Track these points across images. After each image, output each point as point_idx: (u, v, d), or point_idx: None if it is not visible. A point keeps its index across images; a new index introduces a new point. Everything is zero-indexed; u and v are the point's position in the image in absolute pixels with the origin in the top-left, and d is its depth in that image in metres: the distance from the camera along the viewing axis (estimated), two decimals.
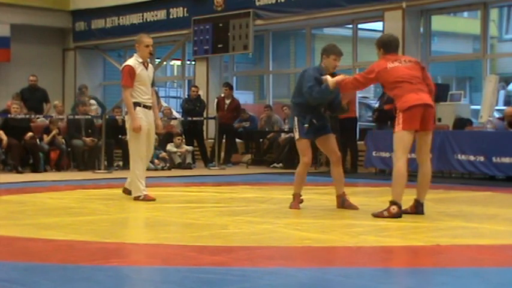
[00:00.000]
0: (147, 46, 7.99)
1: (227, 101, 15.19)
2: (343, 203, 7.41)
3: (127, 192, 8.22)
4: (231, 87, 15.55)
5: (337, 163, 7.50)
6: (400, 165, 6.56)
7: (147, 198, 7.87)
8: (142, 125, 7.86)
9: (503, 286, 3.98)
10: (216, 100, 15.62)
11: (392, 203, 6.56)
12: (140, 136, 7.87)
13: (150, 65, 8.15)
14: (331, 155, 7.49)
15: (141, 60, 7.98)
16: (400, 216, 6.49)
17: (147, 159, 8.22)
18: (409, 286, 3.94)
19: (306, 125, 7.22)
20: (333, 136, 7.48)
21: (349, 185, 10.71)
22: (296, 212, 7.15)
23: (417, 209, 6.80)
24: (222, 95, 15.45)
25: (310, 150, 7.41)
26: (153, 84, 8.18)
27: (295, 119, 7.36)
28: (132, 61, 7.98)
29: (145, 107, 7.95)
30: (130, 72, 7.85)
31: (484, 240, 5.48)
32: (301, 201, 7.44)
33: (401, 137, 6.63)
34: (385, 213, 6.55)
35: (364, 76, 7.03)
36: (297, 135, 7.36)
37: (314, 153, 14.20)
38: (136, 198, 7.90)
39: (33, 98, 15.18)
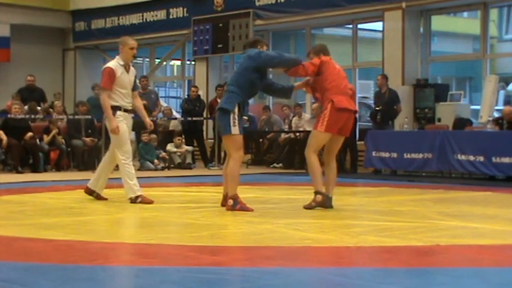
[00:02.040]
0: (132, 48, 7.83)
1: (219, 101, 15.08)
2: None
3: (89, 191, 8.08)
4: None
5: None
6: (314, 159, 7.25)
7: (143, 200, 7.68)
8: (123, 128, 7.72)
9: (503, 286, 3.98)
10: (209, 103, 15.56)
11: (317, 192, 7.15)
12: (123, 137, 7.74)
13: (132, 68, 7.98)
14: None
15: (122, 62, 7.79)
16: (328, 207, 7.10)
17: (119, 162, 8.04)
18: (409, 286, 3.94)
19: (246, 117, 7.11)
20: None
21: (349, 185, 10.74)
22: (296, 212, 7.15)
23: (327, 203, 7.21)
24: (215, 97, 15.40)
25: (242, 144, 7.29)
26: (134, 88, 7.98)
27: (234, 112, 7.05)
28: (114, 63, 7.79)
29: (125, 110, 7.80)
30: (111, 74, 7.67)
31: (484, 240, 5.48)
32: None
33: (324, 136, 7.24)
34: (313, 204, 7.14)
35: (310, 63, 7.36)
36: (235, 130, 7.05)
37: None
38: (134, 201, 7.70)
39: (31, 98, 15.16)
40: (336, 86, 7.25)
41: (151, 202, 7.66)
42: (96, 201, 7.96)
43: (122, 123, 7.74)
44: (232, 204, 7.05)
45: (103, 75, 7.76)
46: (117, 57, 7.87)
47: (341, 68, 7.47)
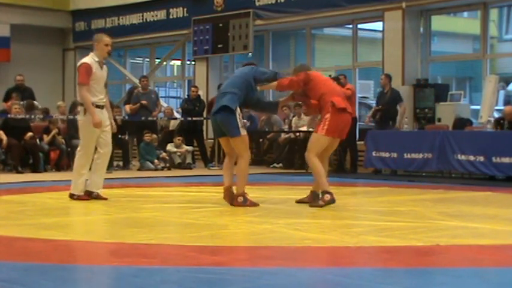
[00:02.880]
0: (107, 45, 8.02)
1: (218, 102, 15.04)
2: (232, 199, 7.51)
3: (89, 194, 8.08)
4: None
5: (234, 158, 7.62)
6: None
7: (82, 198, 7.89)
8: (91, 125, 7.84)
9: (503, 286, 3.98)
10: (209, 101, 15.57)
11: (325, 192, 7.30)
12: (93, 134, 7.89)
13: (104, 65, 8.14)
14: (234, 152, 7.58)
15: (97, 59, 7.96)
16: (334, 201, 7.25)
17: (106, 157, 8.21)
18: (409, 286, 3.94)
19: (246, 121, 7.39)
20: None
21: (349, 185, 10.74)
22: (296, 212, 7.15)
23: (314, 199, 7.52)
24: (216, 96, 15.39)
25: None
26: (105, 85, 8.19)
27: (238, 113, 7.34)
28: (89, 59, 7.94)
29: (98, 106, 7.92)
30: (88, 69, 7.83)
31: (484, 240, 5.48)
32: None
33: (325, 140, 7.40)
34: (321, 203, 7.27)
35: (293, 77, 7.58)
36: (244, 131, 7.36)
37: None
38: (71, 196, 7.93)
39: (21, 97, 15.13)
40: (332, 88, 7.51)
41: (86, 199, 7.89)
42: (96, 201, 7.96)
43: (89, 121, 7.87)
44: (243, 200, 7.39)
45: (79, 71, 7.92)
46: (92, 53, 8.03)
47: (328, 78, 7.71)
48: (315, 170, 7.39)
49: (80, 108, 8.07)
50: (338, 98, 7.36)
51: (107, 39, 8.09)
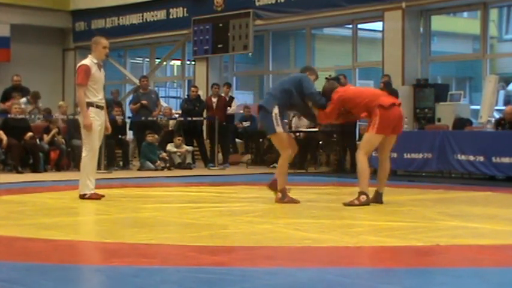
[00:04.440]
0: (105, 47, 8.20)
1: (214, 99, 15.09)
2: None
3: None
4: (229, 86, 15.55)
5: (291, 156, 7.98)
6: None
7: (93, 197, 7.94)
8: (95, 124, 7.98)
9: (503, 286, 3.98)
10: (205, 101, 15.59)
11: (362, 193, 7.37)
12: (93, 134, 7.98)
13: (102, 67, 8.26)
14: (293, 149, 7.92)
15: (96, 61, 8.11)
16: (368, 204, 7.33)
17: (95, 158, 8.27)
18: (409, 286, 3.93)
19: (286, 120, 7.52)
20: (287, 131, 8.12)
21: (349, 185, 10.73)
22: (296, 212, 7.15)
23: (377, 198, 7.58)
24: (210, 95, 15.41)
25: (292, 142, 7.94)
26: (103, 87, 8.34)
27: (275, 112, 7.55)
28: (88, 61, 8.09)
29: (98, 107, 8.06)
30: (87, 71, 7.97)
31: (484, 240, 5.48)
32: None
33: (376, 138, 7.50)
34: (356, 202, 7.36)
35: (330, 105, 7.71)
36: (279, 129, 7.59)
37: (314, 153, 14.40)
38: (83, 196, 7.96)
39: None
40: (370, 93, 7.59)
41: (100, 197, 7.97)
42: (96, 201, 7.96)
43: (94, 120, 8.00)
44: (281, 197, 7.66)
45: (78, 72, 8.06)
46: (90, 56, 8.18)
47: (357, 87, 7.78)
48: (359, 169, 7.48)
49: (79, 109, 8.18)
50: (382, 98, 7.43)
51: (104, 41, 8.26)
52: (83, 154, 8.09)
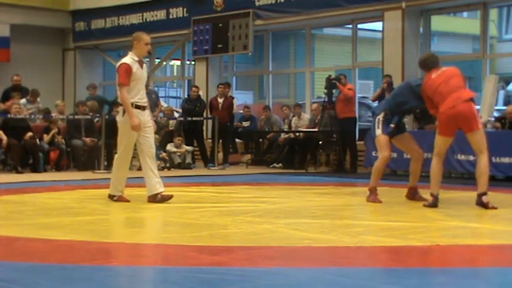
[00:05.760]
0: (147, 44, 7.82)
1: (220, 100, 15.09)
2: (413, 196, 8.10)
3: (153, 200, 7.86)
4: (228, 86, 15.54)
5: (417, 160, 8.17)
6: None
7: (121, 200, 7.81)
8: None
9: (503, 286, 3.98)
10: (209, 101, 15.58)
11: (432, 194, 7.49)
12: (132, 136, 7.74)
13: (144, 64, 7.94)
14: (412, 153, 8.20)
15: (137, 58, 7.75)
16: (436, 206, 7.38)
17: (153, 157, 8.04)
18: (409, 286, 3.93)
19: (393, 125, 7.84)
20: (408, 134, 8.28)
21: (349, 184, 10.74)
22: (296, 212, 7.15)
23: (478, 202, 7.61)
24: (216, 95, 15.40)
25: (389, 146, 8.02)
26: (147, 86, 8.05)
27: (380, 116, 7.87)
28: (129, 59, 7.74)
29: (138, 107, 7.73)
30: (128, 70, 7.63)
31: (484, 240, 5.48)
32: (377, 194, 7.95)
33: (442, 140, 7.56)
34: (425, 203, 7.48)
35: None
36: (378, 132, 7.89)
37: (313, 153, 14.39)
38: (111, 197, 7.85)
39: (20, 98, 15.12)
40: (439, 93, 7.49)
41: (127, 201, 7.80)
42: (96, 201, 7.96)
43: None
44: (368, 195, 7.91)
45: (119, 71, 7.69)
46: (131, 53, 7.80)
47: (442, 73, 7.59)
48: (430, 171, 7.55)
49: (119, 109, 7.92)
50: (446, 103, 7.36)
51: (147, 37, 7.85)
52: (116, 154, 7.94)
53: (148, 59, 20.14)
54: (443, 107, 7.35)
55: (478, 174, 7.68)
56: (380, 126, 7.89)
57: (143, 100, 7.83)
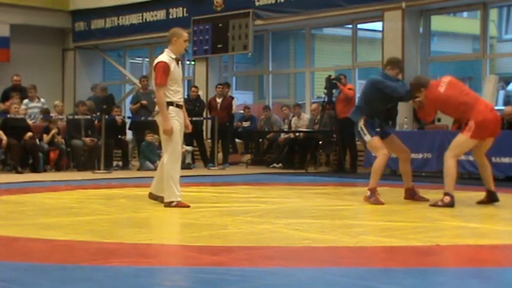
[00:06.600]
0: (186, 41, 7.55)
1: (218, 100, 15.08)
2: (413, 196, 8.01)
3: (153, 197, 7.61)
4: (227, 86, 15.54)
5: (406, 160, 8.13)
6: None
7: (180, 205, 7.27)
8: (176, 125, 7.31)
9: (503, 286, 3.98)
10: (208, 102, 15.57)
11: (447, 194, 7.35)
12: (174, 136, 7.30)
13: (180, 62, 7.58)
14: (401, 153, 8.15)
15: (174, 56, 7.42)
16: (453, 205, 7.28)
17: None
18: (409, 286, 3.93)
19: (378, 129, 7.82)
20: (394, 136, 8.19)
21: (349, 184, 10.74)
22: (296, 212, 7.15)
23: (492, 198, 7.67)
24: (214, 95, 15.40)
25: (384, 145, 7.89)
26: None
27: (361, 123, 7.81)
28: (166, 57, 7.37)
29: (177, 106, 7.38)
30: (165, 69, 7.26)
31: (484, 240, 5.48)
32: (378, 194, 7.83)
33: (470, 143, 7.47)
34: (440, 203, 7.34)
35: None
36: (368, 138, 7.82)
37: (313, 153, 14.39)
38: (168, 205, 7.27)
39: (19, 97, 15.10)
40: (463, 103, 7.40)
41: (188, 206, 7.28)
42: (96, 201, 7.96)
43: (174, 121, 7.33)
44: (369, 195, 7.73)
45: (157, 70, 7.34)
46: (167, 50, 7.50)
47: (449, 84, 7.50)
48: (446, 170, 7.42)
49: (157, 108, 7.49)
50: (482, 108, 7.33)
51: (186, 34, 7.59)
52: (164, 159, 7.35)
53: (148, 59, 20.16)
54: (483, 113, 7.31)
55: (488, 173, 7.72)
56: (366, 132, 7.83)
57: (181, 99, 7.52)
